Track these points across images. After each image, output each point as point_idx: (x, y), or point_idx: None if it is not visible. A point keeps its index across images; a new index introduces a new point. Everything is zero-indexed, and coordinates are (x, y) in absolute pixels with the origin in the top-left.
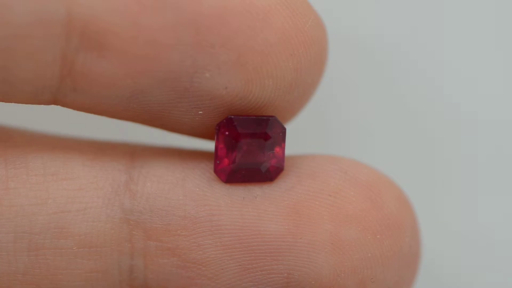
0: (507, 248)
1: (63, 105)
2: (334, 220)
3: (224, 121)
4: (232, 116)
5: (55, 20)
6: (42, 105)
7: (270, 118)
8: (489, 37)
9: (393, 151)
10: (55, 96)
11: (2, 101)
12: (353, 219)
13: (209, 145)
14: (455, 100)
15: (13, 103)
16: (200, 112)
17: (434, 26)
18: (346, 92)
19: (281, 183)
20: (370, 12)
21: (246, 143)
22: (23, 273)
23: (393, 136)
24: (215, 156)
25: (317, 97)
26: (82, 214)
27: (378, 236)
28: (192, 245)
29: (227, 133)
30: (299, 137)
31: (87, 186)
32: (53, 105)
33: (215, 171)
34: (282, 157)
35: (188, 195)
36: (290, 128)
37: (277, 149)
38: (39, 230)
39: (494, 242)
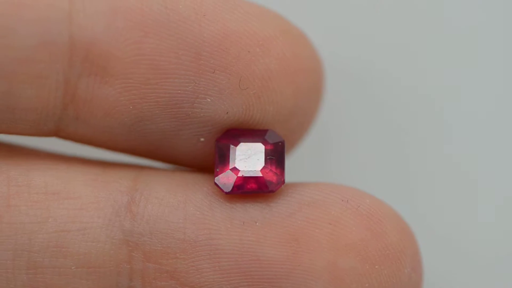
0: (509, 266)
1: (64, 137)
2: (333, 249)
3: (223, 134)
4: (231, 129)
5: (58, 44)
6: None
7: (268, 130)
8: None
9: (396, 179)
10: (58, 126)
11: (5, 133)
12: (352, 248)
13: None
14: (453, 123)
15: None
16: (201, 139)
17: (427, 55)
18: (346, 122)
19: (281, 209)
20: (365, 41)
21: (246, 151)
22: None
23: (395, 164)
24: (215, 165)
25: (318, 126)
26: (82, 234)
27: (376, 266)
28: (191, 269)
29: (226, 142)
30: (300, 165)
31: (88, 206)
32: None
33: (215, 181)
34: (282, 168)
35: (188, 218)
36: (291, 156)
37: (277, 158)
38: (38, 248)
39: (496, 261)
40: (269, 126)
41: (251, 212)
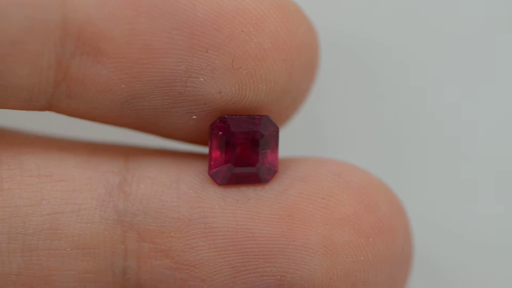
0: (501, 246)
1: (57, 111)
2: (327, 223)
3: (218, 121)
4: (226, 116)
5: (50, 25)
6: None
7: (263, 117)
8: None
9: (386, 153)
10: (50, 102)
11: None
12: (346, 222)
13: (203, 149)
14: (448, 104)
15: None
16: (194, 117)
17: (426, 32)
18: (338, 96)
19: (274, 185)
20: (361, 16)
21: (240, 143)
22: (17, 274)
23: (386, 138)
24: (209, 157)
25: (310, 100)
26: (76, 216)
27: (370, 239)
28: (186, 247)
29: (220, 133)
30: (293, 140)
31: (81, 187)
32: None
33: (209, 173)
34: (276, 158)
35: (181, 197)
36: (283, 131)
37: (270, 148)
38: (33, 231)
39: (489, 241)
40: (262, 104)
41: (244, 190)
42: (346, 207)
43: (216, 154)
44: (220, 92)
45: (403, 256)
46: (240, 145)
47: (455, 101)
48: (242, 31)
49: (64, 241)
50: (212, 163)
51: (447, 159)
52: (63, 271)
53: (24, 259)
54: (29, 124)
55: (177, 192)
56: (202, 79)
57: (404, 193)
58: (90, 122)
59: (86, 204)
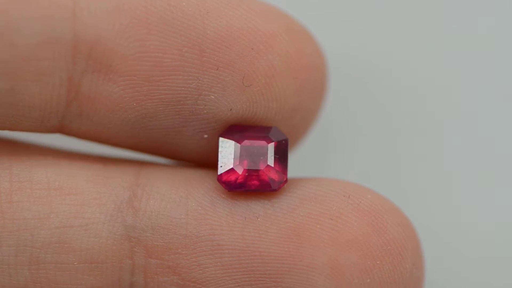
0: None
1: (68, 133)
2: (334, 245)
3: (227, 129)
4: (235, 125)
5: (62, 42)
6: None
7: (273, 127)
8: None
9: (396, 173)
10: (61, 122)
11: (9, 129)
12: (354, 244)
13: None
14: (454, 122)
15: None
16: (205, 136)
17: (429, 47)
18: (348, 117)
19: (283, 204)
20: (366, 37)
21: (249, 147)
22: (24, 287)
23: (396, 158)
24: (218, 162)
25: (321, 121)
26: (84, 230)
27: (378, 262)
28: (193, 264)
29: (229, 138)
30: (301, 160)
31: (90, 201)
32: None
33: (218, 178)
34: (285, 167)
35: (190, 214)
36: (294, 153)
37: (280, 156)
38: (41, 244)
39: (496, 260)
40: (272, 123)
41: (253, 207)
42: (354, 228)
43: (225, 159)
44: (231, 110)
45: (411, 280)
46: (249, 151)
47: (463, 111)
48: (252, 49)
49: (72, 255)
50: (221, 167)
51: (460, 181)
52: (70, 285)
53: (32, 272)
54: (40, 137)
55: (186, 209)
56: (213, 97)
57: (416, 217)
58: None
59: (95, 218)
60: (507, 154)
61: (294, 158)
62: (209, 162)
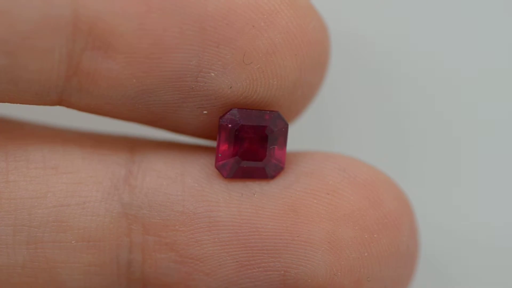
0: (505, 246)
1: (68, 106)
2: (331, 219)
3: (227, 113)
4: (236, 109)
5: (61, 21)
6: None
7: (273, 112)
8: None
9: (392, 149)
10: (60, 97)
11: (8, 102)
12: (351, 218)
13: (210, 143)
14: (453, 100)
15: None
16: (204, 112)
17: (433, 29)
18: (346, 92)
19: (279, 180)
20: (372, 13)
21: (248, 137)
22: (22, 266)
23: (393, 135)
24: (217, 149)
25: (319, 96)
26: (81, 208)
27: (375, 235)
28: (190, 241)
29: (229, 125)
30: (299, 134)
31: (86, 180)
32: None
33: (216, 165)
34: (283, 155)
35: (187, 190)
36: (291, 126)
37: (279, 144)
38: (38, 223)
39: (493, 241)
40: (272, 99)
41: (249, 184)
42: (350, 202)
43: (224, 147)
44: (231, 87)
45: (408, 252)
46: (248, 139)
47: (464, 101)
48: (253, 26)
49: (69, 234)
50: (220, 155)
51: (454, 157)
52: (68, 263)
53: (29, 251)
54: (36, 116)
55: (182, 186)
56: (213, 74)
57: (409, 189)
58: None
59: (92, 196)
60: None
61: (292, 132)
62: (208, 136)
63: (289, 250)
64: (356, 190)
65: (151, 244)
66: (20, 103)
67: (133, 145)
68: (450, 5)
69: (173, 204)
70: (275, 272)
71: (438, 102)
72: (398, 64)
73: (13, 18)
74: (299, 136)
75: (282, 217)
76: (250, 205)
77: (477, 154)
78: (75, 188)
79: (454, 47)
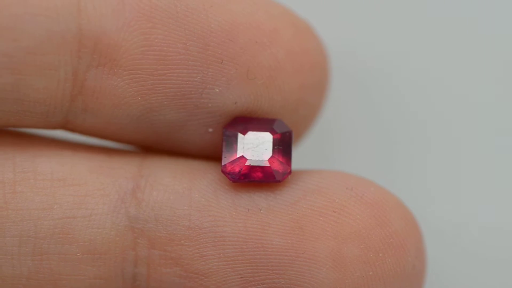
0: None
1: (72, 129)
2: (337, 237)
3: (232, 121)
4: (240, 117)
5: (67, 37)
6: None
7: (277, 119)
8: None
9: (397, 167)
10: (66, 118)
11: (13, 126)
12: (356, 236)
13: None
14: (455, 116)
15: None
16: (210, 130)
17: (432, 47)
18: (352, 111)
19: (286, 196)
20: (368, 31)
21: (253, 140)
22: (27, 278)
23: (397, 153)
24: (223, 152)
25: (324, 114)
26: (88, 221)
27: (380, 255)
28: (195, 256)
29: (234, 130)
30: (304, 155)
31: (93, 192)
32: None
33: (222, 170)
34: (289, 159)
35: (193, 205)
36: (298, 147)
37: (284, 148)
38: (44, 235)
39: (502, 259)
40: (276, 115)
41: (256, 199)
42: (357, 221)
43: (229, 151)
44: (235, 103)
45: (414, 273)
46: (253, 143)
47: (466, 116)
48: (256, 42)
49: (75, 246)
50: (225, 158)
51: (457, 173)
52: (73, 276)
53: (35, 262)
54: (44, 133)
55: (189, 200)
56: (217, 90)
57: (418, 210)
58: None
59: (98, 209)
60: (507, 152)
61: (297, 153)
62: (214, 156)
63: (294, 267)
64: (363, 209)
65: (157, 258)
66: (25, 127)
67: (141, 159)
68: (446, 24)
69: (179, 218)
70: None
71: (440, 118)
72: (398, 83)
73: (18, 33)
74: (306, 155)
75: (288, 233)
76: (256, 221)
77: (481, 168)
78: (82, 201)
79: (454, 65)
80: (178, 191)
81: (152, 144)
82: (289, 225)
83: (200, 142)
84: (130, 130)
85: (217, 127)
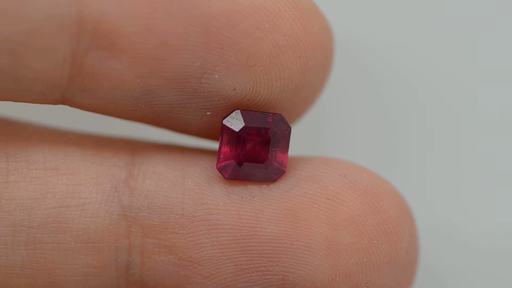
0: (506, 254)
1: (71, 105)
2: (331, 224)
3: (230, 115)
4: (239, 111)
5: (66, 19)
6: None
7: (277, 115)
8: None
9: (393, 154)
10: (64, 96)
11: (11, 100)
12: (350, 223)
13: (211, 145)
14: (452, 102)
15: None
16: (208, 113)
17: (436, 34)
18: (348, 96)
19: (279, 184)
20: (375, 17)
21: (251, 139)
22: (21, 267)
23: (394, 140)
24: (219, 151)
25: (321, 99)
26: (81, 210)
27: (374, 241)
28: (189, 244)
29: (232, 127)
30: (300, 139)
31: (86, 181)
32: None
33: (217, 167)
34: (285, 158)
35: (186, 193)
36: (294, 128)
37: (281, 147)
38: (37, 224)
39: (495, 249)
40: (275, 101)
41: (249, 187)
42: (350, 208)
43: (226, 148)
44: (234, 89)
45: (407, 259)
46: (250, 141)
47: (462, 103)
48: (257, 28)
49: (68, 235)
50: (222, 156)
51: (455, 162)
52: (67, 265)
53: (28, 252)
54: (37, 117)
55: (183, 188)
56: (217, 76)
57: (409, 195)
58: (99, 116)
59: (91, 198)
60: (507, 150)
61: (292, 136)
62: (211, 137)
63: (288, 255)
64: (356, 196)
65: (150, 247)
66: (23, 102)
67: (134, 147)
68: (451, 13)
69: (172, 206)
70: (273, 276)
71: (441, 107)
72: (401, 69)
73: (17, 17)
74: (300, 141)
75: (282, 221)
76: (250, 208)
77: (478, 160)
78: (75, 190)
79: (456, 54)
80: (171, 179)
81: (151, 122)
82: (283, 213)
83: (197, 124)
84: (128, 109)
85: (215, 111)
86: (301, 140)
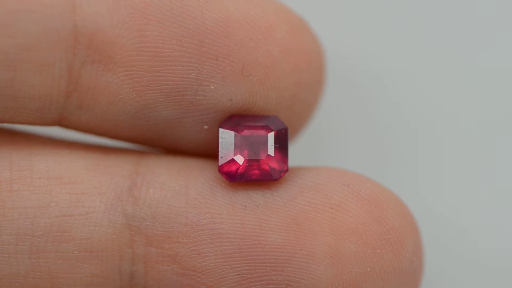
0: (509, 268)
1: (67, 126)
2: (334, 233)
3: (227, 119)
4: (235, 115)
5: (62, 34)
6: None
7: (272, 116)
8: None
9: (393, 165)
10: (61, 114)
11: (8, 121)
12: (354, 232)
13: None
14: (449, 117)
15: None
16: (205, 127)
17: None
18: (349, 107)
19: (283, 193)
20: (365, 32)
21: (249, 137)
22: (24, 276)
23: (393, 151)
24: (219, 152)
25: (321, 111)
26: (84, 219)
27: (378, 251)
28: (193, 253)
29: (230, 128)
30: (300, 153)
31: (90, 190)
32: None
33: (219, 169)
34: (285, 156)
35: (190, 202)
36: (294, 143)
37: (280, 144)
38: (41, 233)
39: (498, 263)
40: (272, 112)
41: (253, 196)
42: (354, 217)
43: (225, 150)
44: (231, 100)
45: (411, 269)
46: (249, 141)
47: (459, 113)
48: (251, 38)
49: (72, 244)
50: (221, 157)
51: (453, 172)
52: (70, 274)
53: (32, 261)
54: (40, 130)
55: (186, 198)
56: (212, 87)
57: (415, 207)
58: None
59: (95, 207)
60: (504, 152)
61: (293, 150)
62: (210, 153)
63: (291, 264)
64: (360, 205)
65: (154, 256)
66: (20, 123)
67: (138, 157)
68: (441, 25)
69: (176, 216)
70: (277, 286)
71: (437, 116)
72: (393, 82)
73: (13, 30)
74: (301, 155)
75: (285, 230)
76: (254, 217)
77: (481, 168)
78: (79, 199)
79: (449, 71)
80: (175, 189)
81: (148, 141)
82: (286, 222)
83: (195, 139)
84: (125, 126)
85: (212, 124)
86: (304, 151)
